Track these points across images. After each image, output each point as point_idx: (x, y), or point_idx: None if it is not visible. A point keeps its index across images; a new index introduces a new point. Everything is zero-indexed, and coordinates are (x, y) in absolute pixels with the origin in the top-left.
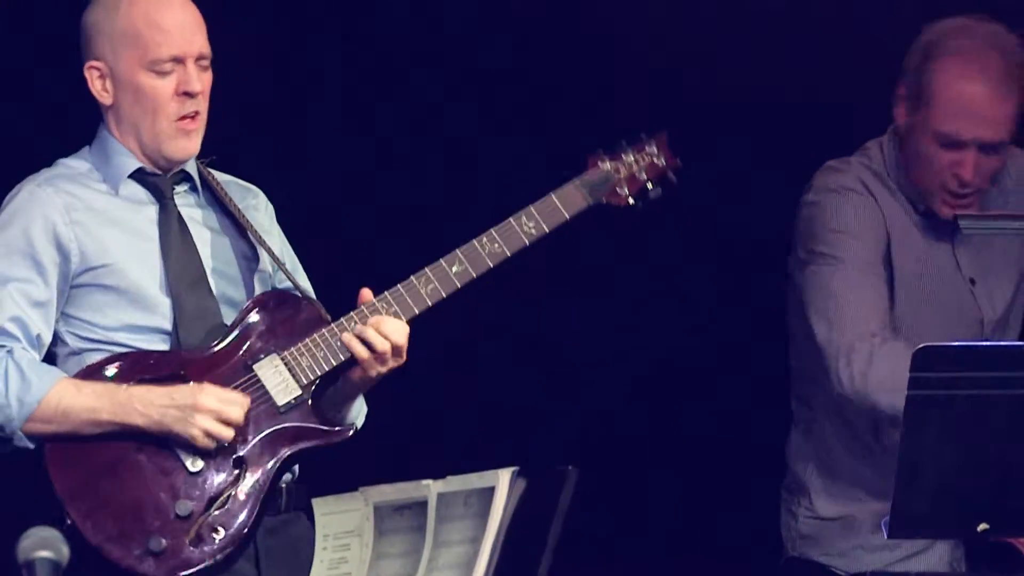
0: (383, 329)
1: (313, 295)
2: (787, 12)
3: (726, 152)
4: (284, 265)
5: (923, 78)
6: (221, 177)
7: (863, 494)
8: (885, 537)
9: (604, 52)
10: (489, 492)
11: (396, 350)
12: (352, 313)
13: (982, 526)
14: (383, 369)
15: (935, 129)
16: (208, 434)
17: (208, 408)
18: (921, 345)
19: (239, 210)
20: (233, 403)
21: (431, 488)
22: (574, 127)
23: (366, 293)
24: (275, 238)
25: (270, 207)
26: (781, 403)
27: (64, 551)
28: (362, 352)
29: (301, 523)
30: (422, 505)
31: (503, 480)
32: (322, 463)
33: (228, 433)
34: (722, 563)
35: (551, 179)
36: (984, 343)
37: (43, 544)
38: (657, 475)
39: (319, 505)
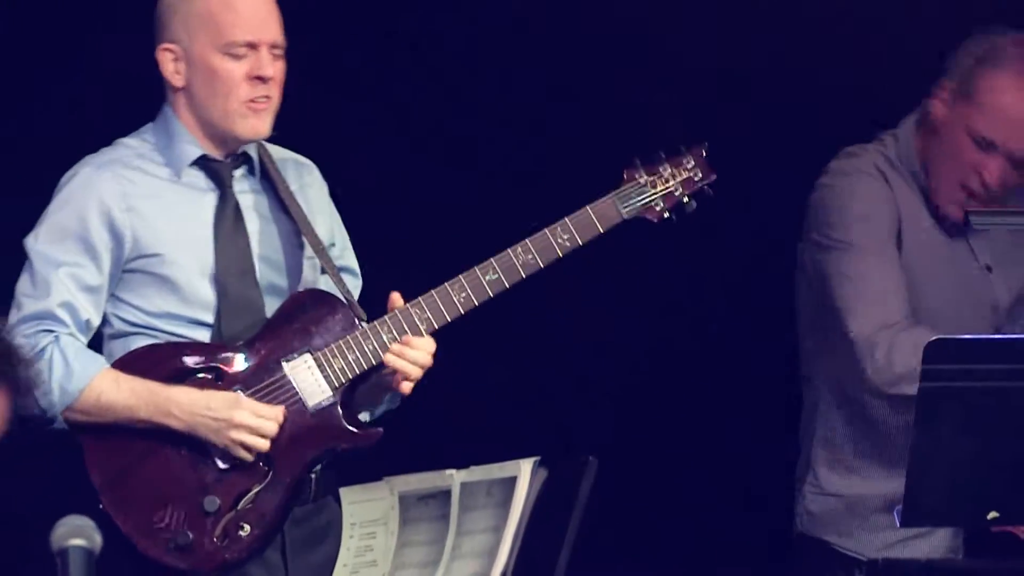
0: (409, 356)
1: (359, 272)
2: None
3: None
4: (330, 249)
5: (975, 79)
6: (278, 154)
7: (866, 470)
8: (897, 525)
9: (642, 61)
10: (511, 482)
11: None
12: (385, 317)
13: (992, 514)
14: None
15: (975, 128)
16: (243, 446)
17: (244, 424)
18: (933, 338)
19: (291, 194)
20: (269, 419)
21: (455, 478)
22: (612, 134)
23: (396, 298)
24: (326, 216)
25: (324, 184)
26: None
27: (97, 539)
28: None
29: (329, 509)
30: (446, 494)
31: (525, 470)
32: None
33: (263, 446)
34: (734, 541)
35: (585, 186)
36: (996, 336)
37: (77, 532)
38: (673, 457)
39: (346, 494)
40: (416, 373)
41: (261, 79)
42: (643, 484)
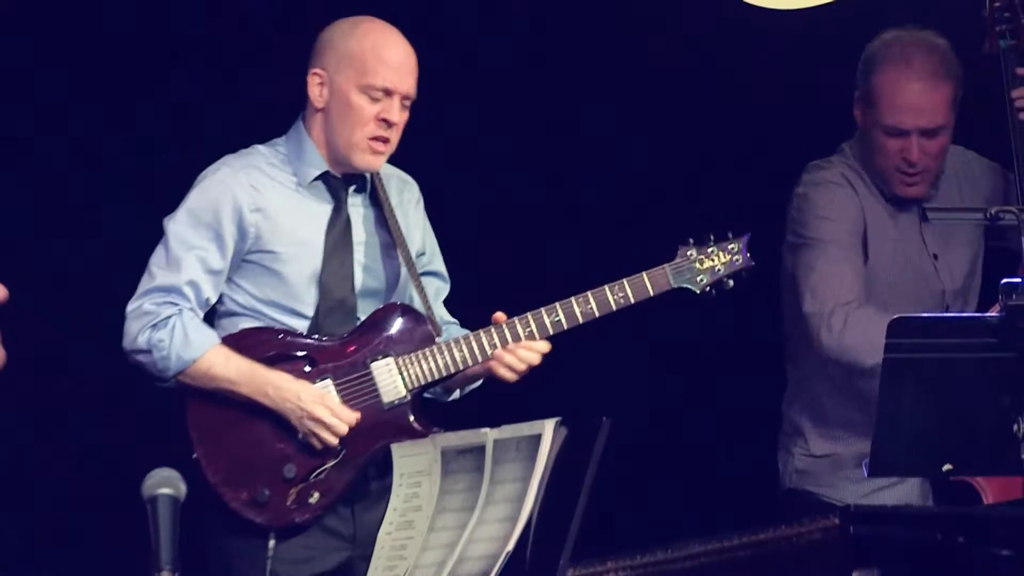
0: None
1: (447, 277)
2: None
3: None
4: (419, 257)
5: (868, 83)
6: (385, 170)
7: (846, 434)
8: (865, 475)
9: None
10: (536, 439)
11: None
12: (459, 337)
13: (947, 467)
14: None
15: (882, 123)
16: (315, 435)
17: (321, 420)
18: (895, 316)
19: (392, 210)
20: (343, 421)
21: (488, 435)
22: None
23: (499, 317)
24: (420, 228)
25: (421, 199)
26: (775, 366)
27: (182, 488)
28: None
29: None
30: (481, 449)
31: (548, 429)
32: None
33: (332, 441)
34: (728, 495)
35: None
36: (948, 315)
37: (164, 482)
38: (672, 425)
39: (396, 449)
40: (515, 369)
41: (387, 122)
42: (646, 440)
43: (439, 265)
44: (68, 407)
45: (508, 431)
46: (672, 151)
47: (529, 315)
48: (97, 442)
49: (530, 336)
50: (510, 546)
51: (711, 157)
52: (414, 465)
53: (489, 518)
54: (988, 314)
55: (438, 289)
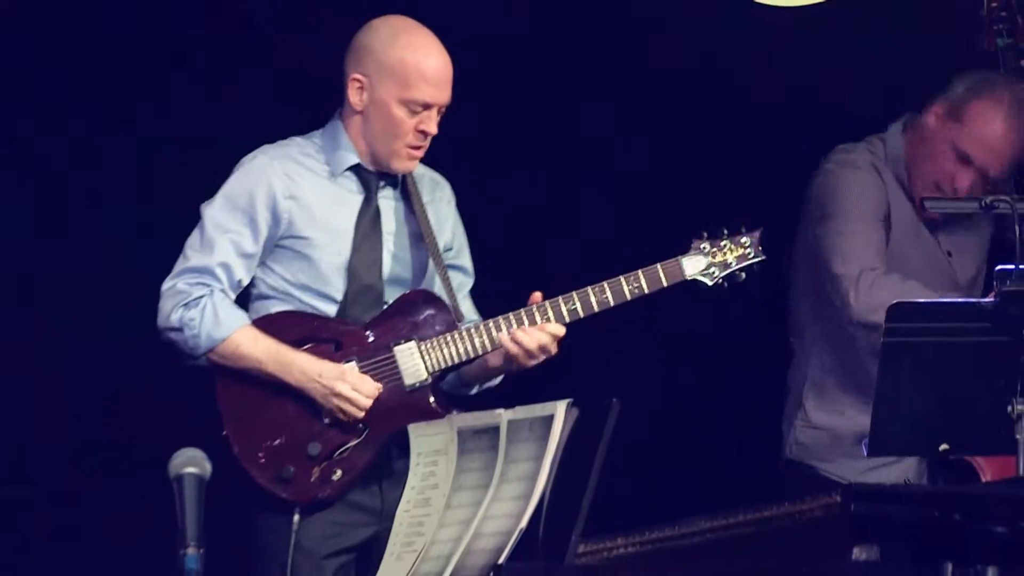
0: (533, 334)
1: (472, 271)
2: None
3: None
4: (447, 252)
5: (968, 105)
6: (418, 170)
7: (846, 408)
8: (864, 455)
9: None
10: (549, 419)
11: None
12: (480, 324)
13: (943, 446)
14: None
15: (959, 145)
16: (340, 411)
17: (343, 395)
18: (894, 302)
19: (423, 205)
20: (364, 395)
21: (503, 416)
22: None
23: (536, 296)
24: (449, 226)
25: (452, 198)
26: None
27: (207, 467)
28: (512, 349)
29: None
30: (495, 429)
31: (560, 410)
32: None
33: (357, 414)
34: (731, 469)
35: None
36: (945, 300)
37: (190, 462)
38: (678, 405)
39: (413, 429)
40: (530, 352)
41: (425, 134)
42: (654, 417)
43: (465, 261)
44: (88, 399)
45: (522, 412)
46: (684, 147)
47: (547, 303)
48: (117, 429)
49: (546, 323)
50: (524, 523)
51: (721, 153)
52: (431, 444)
53: (503, 496)
54: (983, 300)
55: (461, 283)
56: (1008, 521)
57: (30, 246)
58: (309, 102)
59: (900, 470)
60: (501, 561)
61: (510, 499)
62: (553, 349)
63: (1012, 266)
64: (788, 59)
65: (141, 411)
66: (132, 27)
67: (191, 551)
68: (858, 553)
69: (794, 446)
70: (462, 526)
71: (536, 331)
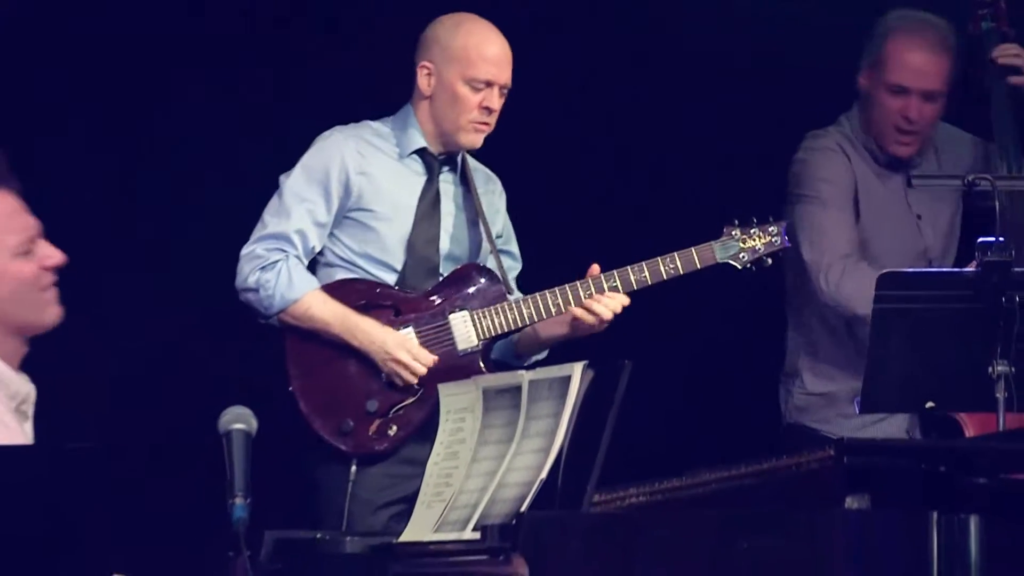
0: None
1: (519, 257)
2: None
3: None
4: (498, 238)
5: (880, 49)
6: (474, 164)
7: (839, 373)
8: (856, 412)
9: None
10: (566, 380)
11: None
12: (527, 297)
13: (929, 404)
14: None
15: (889, 81)
16: (397, 375)
17: (401, 361)
18: (884, 271)
19: (478, 193)
20: (421, 363)
21: (524, 376)
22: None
23: (594, 268)
24: (500, 216)
25: (503, 193)
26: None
27: (253, 424)
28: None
29: None
30: (517, 389)
31: (577, 371)
32: None
33: (411, 380)
34: (734, 428)
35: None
36: (931, 270)
37: (238, 419)
38: (681, 365)
39: (443, 389)
40: (605, 315)
41: (488, 110)
42: (659, 380)
43: (513, 247)
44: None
45: (542, 373)
46: (716, 139)
47: (590, 280)
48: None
49: (589, 298)
50: (543, 474)
51: (755, 144)
52: (459, 403)
53: (525, 450)
54: (966, 269)
55: (510, 267)
56: (989, 473)
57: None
58: (379, 93)
59: (892, 426)
60: (523, 509)
61: (531, 453)
62: (618, 311)
63: (993, 239)
64: (787, 44)
65: (198, 369)
66: (138, 27)
67: (239, 500)
68: (850, 502)
69: (793, 411)
70: (487, 477)
71: (608, 298)
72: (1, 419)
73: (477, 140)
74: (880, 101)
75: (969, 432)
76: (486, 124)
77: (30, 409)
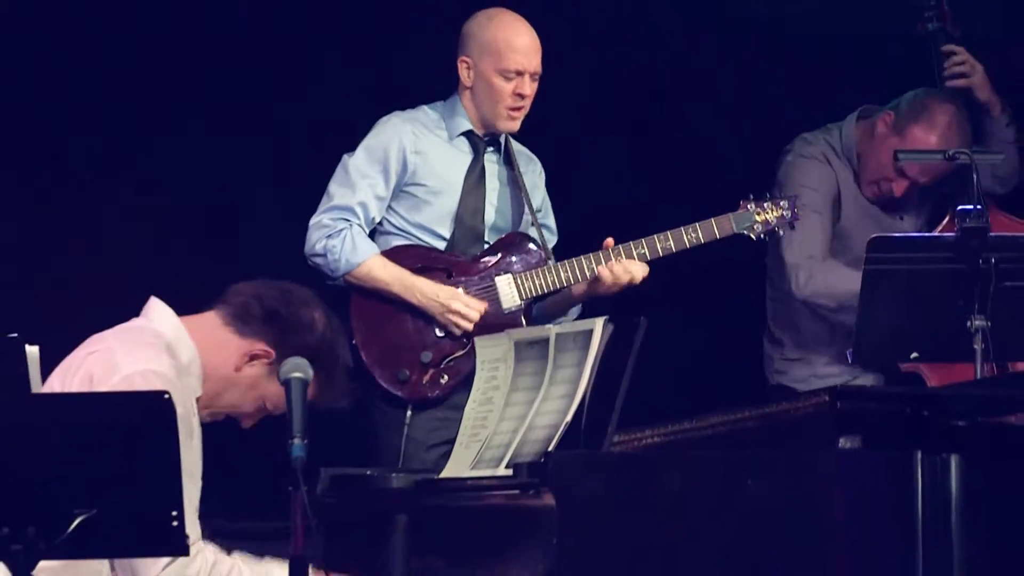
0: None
1: (555, 230)
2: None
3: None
4: (537, 211)
5: (908, 126)
6: (517, 146)
7: (816, 344)
8: (849, 362)
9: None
10: (589, 333)
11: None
12: (564, 262)
13: (914, 355)
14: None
15: (903, 170)
16: (453, 324)
17: (455, 310)
18: (873, 236)
19: (520, 172)
20: (474, 310)
21: (551, 330)
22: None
23: (609, 242)
24: (539, 192)
25: (543, 173)
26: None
27: (310, 373)
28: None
29: None
30: (546, 341)
31: (598, 325)
32: None
33: (467, 327)
34: (724, 388)
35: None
36: (915, 234)
37: (296, 368)
38: (696, 322)
39: (478, 341)
40: (622, 279)
41: (521, 96)
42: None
43: (551, 221)
44: None
45: (567, 327)
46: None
47: (620, 246)
48: None
49: (630, 260)
50: (568, 417)
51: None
52: (493, 354)
53: (552, 396)
54: (947, 234)
55: (547, 239)
56: (967, 416)
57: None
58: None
59: (863, 383)
60: (550, 449)
61: (557, 398)
62: (635, 280)
63: (971, 207)
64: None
65: None
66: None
67: (297, 441)
68: (843, 443)
69: (775, 374)
70: (518, 420)
71: (623, 265)
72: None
73: (513, 125)
74: (881, 161)
75: (930, 384)
76: (520, 109)
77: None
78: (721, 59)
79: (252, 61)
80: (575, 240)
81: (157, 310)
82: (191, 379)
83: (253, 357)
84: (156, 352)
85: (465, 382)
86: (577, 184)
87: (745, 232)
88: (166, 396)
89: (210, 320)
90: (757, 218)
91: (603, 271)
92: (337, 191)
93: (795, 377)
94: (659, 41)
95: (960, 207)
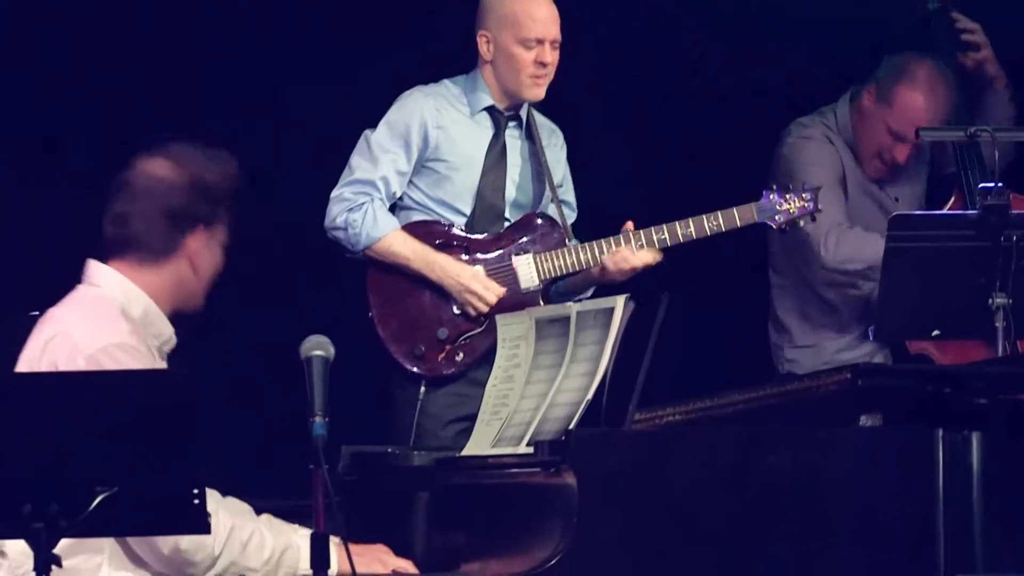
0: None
1: (575, 206)
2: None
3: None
4: (559, 187)
5: (895, 91)
6: (539, 119)
7: (824, 330)
8: (871, 338)
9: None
10: (610, 311)
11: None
12: (585, 244)
13: (935, 332)
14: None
15: (891, 125)
16: (470, 305)
17: (474, 291)
18: (895, 214)
19: (541, 147)
20: (492, 293)
21: (572, 308)
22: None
23: (629, 225)
24: (561, 167)
25: (564, 146)
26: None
27: (331, 351)
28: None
29: None
30: (567, 319)
31: (620, 302)
32: None
33: (483, 309)
34: (735, 377)
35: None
36: (937, 212)
37: (317, 346)
38: (717, 301)
39: (500, 319)
40: (624, 268)
41: (542, 64)
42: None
43: (570, 196)
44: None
45: (588, 305)
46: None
47: (641, 231)
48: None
49: (639, 248)
50: (589, 395)
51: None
52: (515, 332)
53: (573, 373)
54: (968, 212)
55: (566, 215)
56: (988, 394)
57: None
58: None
59: None
60: (571, 427)
61: (578, 376)
62: (639, 267)
63: (992, 184)
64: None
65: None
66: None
67: (318, 419)
68: (864, 420)
69: (785, 363)
70: (539, 398)
71: (628, 254)
72: (149, 353)
73: (539, 92)
74: (877, 132)
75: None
76: (543, 77)
77: (168, 349)
78: (738, 38)
79: (275, 35)
80: (593, 222)
81: (99, 273)
82: (152, 327)
83: (191, 257)
84: (111, 323)
85: (481, 359)
86: (595, 164)
87: (766, 222)
88: (188, 376)
89: (135, 266)
90: (779, 208)
91: (606, 260)
92: (359, 165)
93: (806, 365)
94: (676, 22)
95: (981, 185)
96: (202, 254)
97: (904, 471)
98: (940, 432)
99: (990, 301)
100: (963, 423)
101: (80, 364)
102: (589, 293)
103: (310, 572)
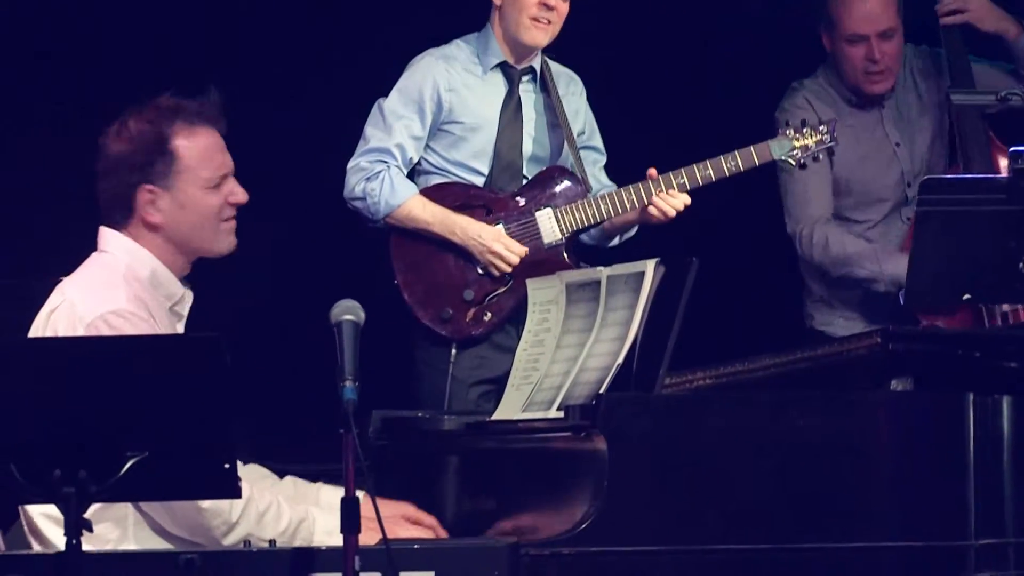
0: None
1: (603, 150)
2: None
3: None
4: (580, 135)
5: (832, 9)
6: (556, 68)
7: (847, 295)
8: (901, 303)
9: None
10: (641, 275)
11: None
12: (604, 194)
13: (966, 296)
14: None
15: (845, 34)
16: (493, 265)
17: (496, 252)
18: (926, 177)
19: (559, 98)
20: (514, 253)
21: (603, 272)
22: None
23: (652, 172)
24: (581, 115)
25: (584, 92)
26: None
27: (361, 315)
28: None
29: None
30: (597, 283)
31: (650, 266)
32: None
33: (506, 269)
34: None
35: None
36: (968, 176)
37: (347, 310)
38: (747, 263)
39: (531, 283)
40: (669, 212)
41: (547, 6)
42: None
43: (597, 141)
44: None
45: (619, 269)
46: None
47: (661, 177)
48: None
49: (659, 196)
50: (620, 359)
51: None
52: (545, 296)
53: (603, 338)
54: (999, 175)
55: (595, 160)
56: (1019, 357)
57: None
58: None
59: None
60: (602, 391)
61: (609, 340)
62: (680, 210)
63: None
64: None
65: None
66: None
67: (348, 383)
68: (895, 384)
69: (811, 318)
70: (570, 362)
71: (671, 197)
72: (154, 315)
73: (539, 37)
74: (844, 54)
75: None
76: (547, 22)
77: (184, 310)
78: None
79: (286, 7)
80: (616, 170)
81: (107, 238)
82: (162, 288)
83: (146, 217)
84: (111, 290)
85: (508, 319)
86: (620, 111)
87: (785, 159)
88: (219, 340)
89: (134, 229)
90: (796, 144)
91: (653, 210)
92: (373, 134)
93: (830, 324)
94: None
95: (1013, 148)
96: (164, 209)
97: (935, 435)
98: (971, 396)
99: (1021, 265)
100: (994, 387)
101: (79, 333)
102: (633, 232)
103: (324, 542)
